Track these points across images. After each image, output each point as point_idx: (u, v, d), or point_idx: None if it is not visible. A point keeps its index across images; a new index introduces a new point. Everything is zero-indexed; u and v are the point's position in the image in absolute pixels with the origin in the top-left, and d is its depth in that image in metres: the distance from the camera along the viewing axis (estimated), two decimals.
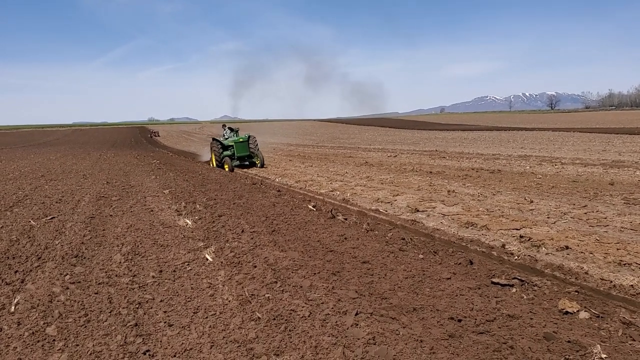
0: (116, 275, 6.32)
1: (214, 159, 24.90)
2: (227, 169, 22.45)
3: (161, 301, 5.41)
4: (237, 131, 26.22)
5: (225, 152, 24.31)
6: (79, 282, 6.10)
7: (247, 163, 24.44)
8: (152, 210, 10.82)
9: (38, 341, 4.44)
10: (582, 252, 7.02)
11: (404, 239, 7.98)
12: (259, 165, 24.05)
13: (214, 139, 25.41)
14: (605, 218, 9.05)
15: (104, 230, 9.04)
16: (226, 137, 25.90)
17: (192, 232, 8.64)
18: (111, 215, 10.38)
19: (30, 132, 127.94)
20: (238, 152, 23.97)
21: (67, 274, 6.39)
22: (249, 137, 24.77)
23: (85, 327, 4.75)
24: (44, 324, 4.78)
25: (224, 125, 27.29)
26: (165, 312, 5.10)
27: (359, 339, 4.20)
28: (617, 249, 7.06)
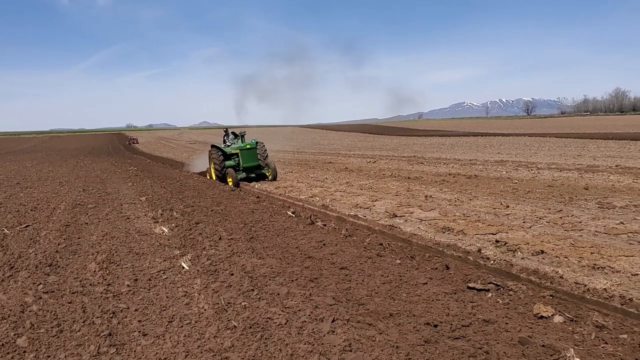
0: (90, 284, 6.23)
1: (213, 171, 20.18)
2: (230, 184, 18.02)
3: (136, 310, 5.34)
4: (242, 136, 21.23)
5: (228, 162, 19.70)
6: (53, 291, 6.00)
7: (253, 175, 19.94)
8: (128, 218, 10.70)
9: (8, 353, 4.35)
10: (557, 257, 7.11)
11: (381, 244, 8.00)
12: (270, 177, 19.71)
13: (213, 146, 20.58)
14: (580, 222, 9.17)
15: (79, 238, 8.92)
16: (228, 143, 21.33)
17: (169, 240, 8.56)
18: (87, 223, 10.25)
19: (6, 139, 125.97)
20: (244, 161, 19.38)
21: (41, 283, 6.28)
22: (257, 143, 20.16)
23: (58, 337, 4.68)
24: (14, 335, 4.69)
25: (226, 130, 22.56)
26: (139, 321, 5.04)
27: (335, 346, 4.19)
28: (591, 253, 7.16)
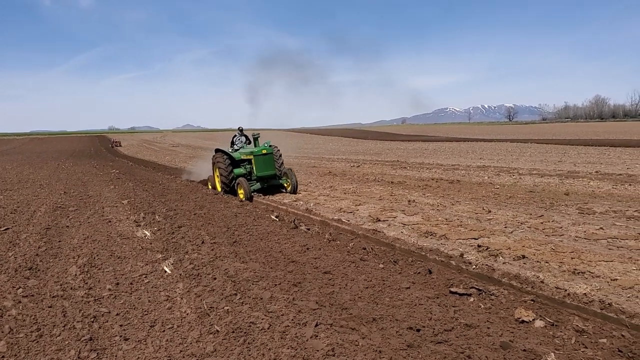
0: (71, 288, 6.17)
1: (218, 181, 16.92)
2: (241, 197, 15.07)
3: (117, 314, 5.30)
4: (256, 139, 17.89)
5: (237, 171, 16.44)
6: (32, 295, 5.94)
7: (264, 186, 16.27)
8: (110, 221, 10.61)
9: None
10: (538, 261, 7.17)
11: (365, 248, 8.02)
12: (289, 189, 16.17)
13: (218, 151, 17.18)
14: (561, 227, 9.28)
15: (59, 241, 8.83)
16: (237, 147, 18.06)
17: (151, 243, 8.50)
18: (68, 226, 10.15)
19: None
20: (259, 170, 15.80)
21: (20, 287, 6.21)
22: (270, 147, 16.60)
23: (37, 342, 4.62)
24: None
25: (240, 129, 18.57)
26: (121, 325, 5.00)
27: (318, 350, 4.19)
28: (572, 258, 7.24)
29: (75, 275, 6.68)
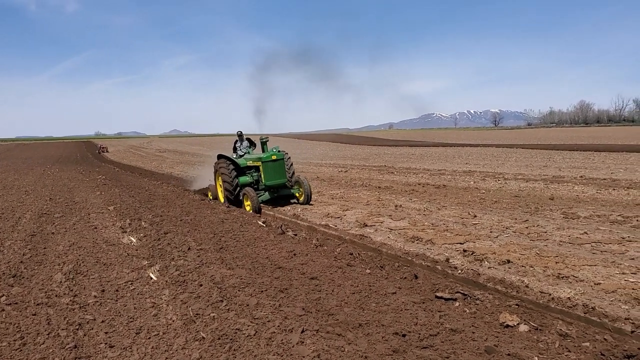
0: (56, 296, 6.13)
1: (220, 190, 15.36)
2: (248, 209, 13.53)
3: (102, 322, 5.26)
4: (264, 143, 15.74)
5: (243, 179, 14.82)
6: (16, 303, 5.89)
7: (273, 196, 14.66)
8: (95, 228, 10.54)
9: None
10: (522, 266, 7.23)
11: (352, 254, 8.04)
12: (301, 200, 14.51)
13: (220, 157, 15.52)
14: (545, 232, 9.36)
15: (45, 248, 8.77)
16: (241, 152, 16.35)
17: (137, 250, 8.46)
18: (53, 233, 10.07)
19: None
20: (269, 178, 14.15)
21: (4, 294, 6.16)
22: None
23: (21, 350, 4.58)
24: None
25: (240, 134, 16.63)
26: (106, 333, 4.97)
27: (304, 356, 4.20)
28: (556, 263, 7.31)
29: (61, 282, 6.63)
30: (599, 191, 14.32)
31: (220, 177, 15.05)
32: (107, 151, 73.33)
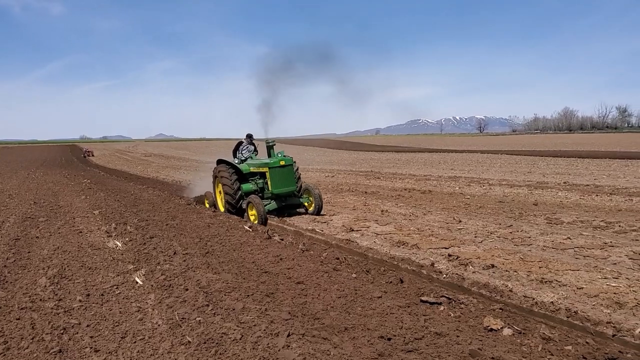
0: (40, 300, 6.08)
1: (220, 198, 14.27)
2: (253, 219, 12.33)
3: (88, 326, 5.23)
4: (271, 147, 14.15)
5: (247, 186, 13.63)
6: (0, 307, 5.82)
7: (281, 205, 13.34)
8: (80, 232, 10.47)
9: None
10: (507, 270, 7.30)
11: (338, 258, 8.06)
12: (311, 210, 13.32)
13: (221, 162, 14.25)
14: (529, 237, 9.46)
15: (29, 252, 8.70)
16: (244, 157, 14.94)
17: (122, 254, 8.42)
18: (37, 237, 9.99)
19: None
20: (276, 185, 12.98)
21: None
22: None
23: (5, 355, 4.54)
24: None
25: (249, 136, 15.36)
26: (91, 337, 4.94)
27: None
28: (540, 267, 7.39)
29: (45, 286, 6.58)
30: (582, 197, 14.50)
31: (220, 184, 13.98)
32: (92, 155, 72.59)
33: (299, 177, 13.90)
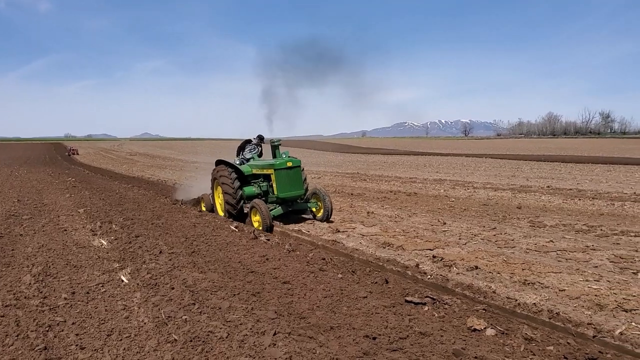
0: (25, 297, 6.04)
1: (219, 202, 13.30)
2: (257, 225, 11.42)
3: (73, 323, 5.22)
4: (276, 147, 13.09)
5: (249, 189, 12.65)
6: None
7: (287, 210, 12.25)
8: (65, 230, 10.40)
9: None
10: (490, 272, 7.39)
11: (324, 259, 8.10)
12: (319, 216, 12.19)
13: (220, 162, 13.16)
14: (513, 240, 9.57)
15: (13, 250, 8.63)
16: (246, 157, 14.00)
17: (108, 252, 8.39)
18: (21, 235, 9.90)
19: None
20: (283, 189, 11.90)
21: None
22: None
23: None
24: None
25: (260, 137, 14.46)
26: (77, 334, 4.93)
27: (276, 358, 4.24)
28: (522, 269, 7.49)
29: (30, 284, 6.54)
30: (565, 201, 14.68)
31: (219, 187, 12.91)
32: (77, 154, 71.76)
33: (306, 180, 12.80)
